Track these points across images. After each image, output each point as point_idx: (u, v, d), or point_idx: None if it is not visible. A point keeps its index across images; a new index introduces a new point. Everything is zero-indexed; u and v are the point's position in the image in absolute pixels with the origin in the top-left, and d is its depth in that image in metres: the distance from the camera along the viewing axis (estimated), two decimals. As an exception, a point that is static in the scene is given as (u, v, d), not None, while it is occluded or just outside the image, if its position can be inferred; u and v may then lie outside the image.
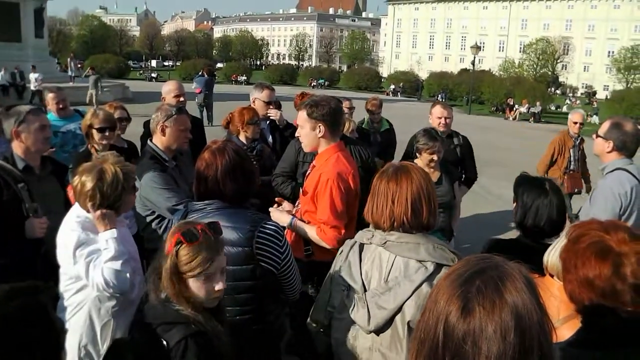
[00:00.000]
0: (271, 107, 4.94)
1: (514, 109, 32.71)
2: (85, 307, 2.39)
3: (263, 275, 2.23)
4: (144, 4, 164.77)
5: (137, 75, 50.23)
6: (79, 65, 28.52)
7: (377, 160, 4.48)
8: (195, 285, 1.79)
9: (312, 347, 2.40)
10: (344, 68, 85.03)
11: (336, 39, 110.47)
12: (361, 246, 2.16)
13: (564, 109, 42.60)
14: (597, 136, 3.35)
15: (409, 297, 1.96)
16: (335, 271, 2.22)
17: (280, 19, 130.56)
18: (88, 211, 2.36)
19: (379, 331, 2.03)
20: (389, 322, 2.01)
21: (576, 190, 6.60)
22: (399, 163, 2.21)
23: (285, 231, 2.74)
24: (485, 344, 0.96)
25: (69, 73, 27.22)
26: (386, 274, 2.04)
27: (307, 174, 3.17)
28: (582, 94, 67.37)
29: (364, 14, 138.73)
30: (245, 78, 48.73)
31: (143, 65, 73.07)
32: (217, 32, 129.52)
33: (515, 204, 2.45)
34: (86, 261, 2.30)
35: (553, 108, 39.96)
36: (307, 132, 2.96)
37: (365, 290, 2.06)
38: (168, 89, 4.48)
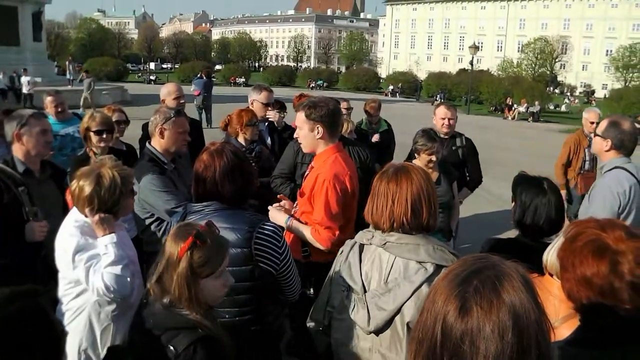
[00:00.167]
0: (269, 108, 4.95)
1: (513, 108, 32.71)
2: (85, 311, 2.39)
3: (262, 276, 2.23)
4: (142, 7, 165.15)
5: (135, 78, 50.18)
6: (78, 69, 28.48)
7: (376, 165, 4.47)
8: (211, 285, 1.80)
9: (311, 348, 2.40)
10: (343, 69, 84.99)
11: (334, 40, 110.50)
12: (361, 247, 2.16)
13: (563, 108, 42.66)
14: (595, 135, 3.36)
15: (408, 298, 1.96)
16: (335, 271, 2.22)
17: (279, 21, 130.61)
18: (86, 216, 2.36)
19: (378, 332, 2.03)
20: (388, 323, 2.00)
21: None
22: (399, 164, 2.20)
23: (284, 232, 2.75)
24: (483, 344, 0.96)
25: (68, 76, 27.19)
26: (386, 275, 2.04)
27: (305, 175, 3.18)
28: (580, 93, 67.45)
29: (362, 15, 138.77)
30: (244, 80, 48.65)
31: (141, 68, 73.03)
32: (216, 34, 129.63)
33: (513, 203, 2.45)
34: (86, 266, 2.30)
35: (552, 107, 39.98)
36: (306, 134, 2.97)
37: (365, 291, 2.06)
38: (167, 91, 4.48)
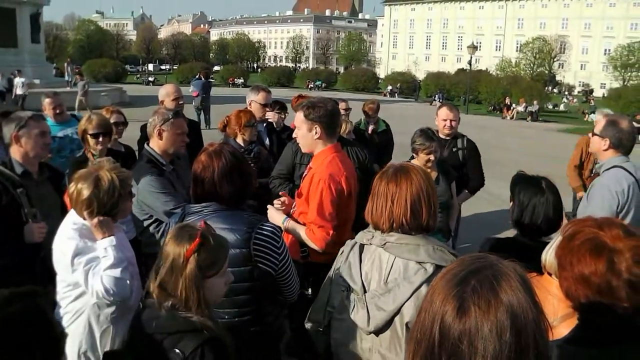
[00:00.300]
0: (268, 109, 4.95)
1: (511, 108, 32.74)
2: (84, 314, 2.38)
3: (261, 276, 2.23)
4: (140, 8, 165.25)
5: (134, 80, 50.12)
6: (76, 70, 28.43)
7: (375, 166, 4.46)
8: (215, 284, 1.81)
9: (311, 348, 2.40)
10: (341, 69, 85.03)
11: (333, 40, 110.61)
12: (361, 247, 2.16)
13: (561, 107, 42.69)
14: (594, 134, 3.36)
15: (408, 298, 1.96)
16: (336, 272, 2.22)
17: (277, 21, 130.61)
18: (85, 219, 2.36)
19: (378, 332, 2.03)
20: (388, 324, 2.00)
21: None
22: (399, 164, 2.20)
23: (283, 232, 2.75)
24: (482, 344, 0.96)
25: (66, 78, 27.17)
26: (386, 275, 2.04)
27: (303, 175, 3.18)
28: (579, 92, 67.50)
29: (360, 15, 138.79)
30: (243, 81, 48.62)
31: (140, 69, 73.05)
32: (214, 35, 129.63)
33: (512, 203, 2.45)
34: (85, 269, 2.29)
35: (550, 107, 40.00)
36: (304, 134, 2.99)
37: (365, 291, 2.06)
38: (166, 92, 4.48)
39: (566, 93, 60.79)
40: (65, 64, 29.27)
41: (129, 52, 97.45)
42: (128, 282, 2.32)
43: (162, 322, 1.76)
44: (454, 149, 4.92)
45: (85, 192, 2.30)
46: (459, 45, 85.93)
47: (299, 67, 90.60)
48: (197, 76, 19.15)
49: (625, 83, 55.14)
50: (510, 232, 2.57)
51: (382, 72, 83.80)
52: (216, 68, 65.93)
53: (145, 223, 3.17)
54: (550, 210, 2.32)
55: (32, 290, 1.36)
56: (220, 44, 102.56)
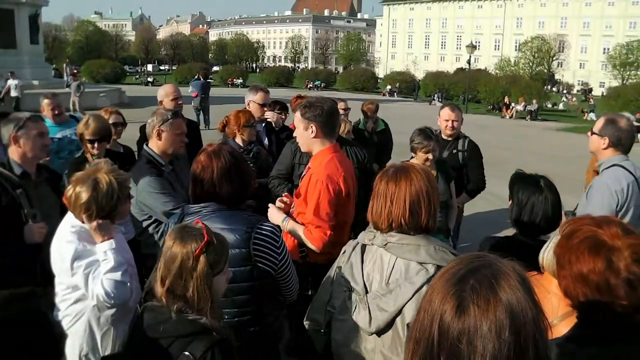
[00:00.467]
0: (266, 109, 4.95)
1: (511, 107, 32.75)
2: (84, 316, 2.37)
3: (260, 276, 2.23)
4: (139, 9, 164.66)
5: (133, 80, 50.08)
6: (75, 71, 28.38)
7: (374, 165, 4.46)
8: (220, 281, 1.84)
9: (311, 349, 2.40)
10: (340, 69, 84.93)
11: (332, 40, 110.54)
12: (363, 247, 2.15)
13: (561, 106, 42.71)
14: (592, 133, 3.35)
15: (409, 299, 1.95)
16: (337, 272, 2.21)
17: (276, 22, 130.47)
18: (83, 222, 2.34)
19: (380, 333, 2.02)
20: (389, 324, 2.00)
21: None
22: (401, 163, 2.19)
23: (283, 233, 2.75)
24: (481, 343, 0.96)
25: (65, 79, 27.14)
26: (387, 276, 2.03)
27: (302, 175, 3.18)
28: (578, 91, 67.54)
29: (359, 15, 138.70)
30: (242, 81, 48.56)
31: (139, 70, 72.88)
32: (213, 35, 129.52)
33: (510, 201, 2.45)
34: (85, 273, 2.28)
35: (549, 106, 40.03)
36: (301, 133, 3.01)
37: (366, 292, 2.05)
38: (165, 92, 4.48)
39: (565, 92, 60.84)
40: (64, 65, 29.24)
41: (128, 52, 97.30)
42: (128, 284, 2.31)
43: (171, 325, 1.75)
44: (454, 151, 4.88)
45: (84, 196, 2.28)
46: (457, 45, 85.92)
47: (298, 67, 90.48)
48: (196, 76, 19.13)
49: (624, 82, 55.19)
50: (510, 231, 2.58)
51: (381, 71, 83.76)
52: (215, 68, 65.81)
53: (145, 223, 3.17)
54: (549, 209, 2.32)
55: (32, 291, 1.36)
56: (219, 44, 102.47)
